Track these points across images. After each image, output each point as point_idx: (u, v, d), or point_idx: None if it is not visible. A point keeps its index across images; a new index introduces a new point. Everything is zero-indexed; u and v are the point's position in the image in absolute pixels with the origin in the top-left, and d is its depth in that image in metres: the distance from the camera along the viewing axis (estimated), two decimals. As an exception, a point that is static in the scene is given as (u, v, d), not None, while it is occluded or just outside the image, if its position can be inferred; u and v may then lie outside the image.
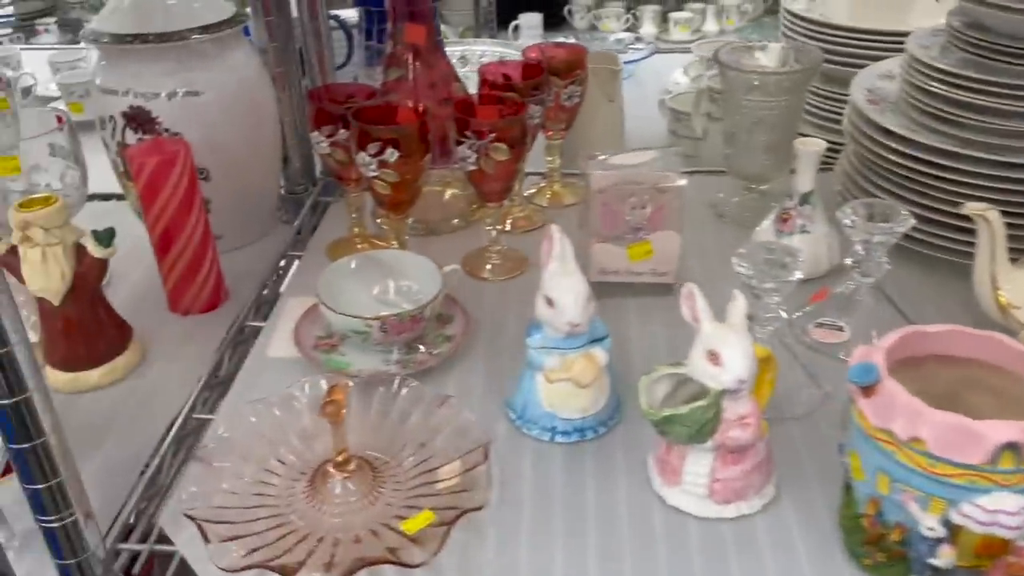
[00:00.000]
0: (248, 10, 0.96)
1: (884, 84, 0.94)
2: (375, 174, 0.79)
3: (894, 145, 0.84)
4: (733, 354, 0.57)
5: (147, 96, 0.86)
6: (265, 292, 0.90)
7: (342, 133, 0.84)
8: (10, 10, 2.64)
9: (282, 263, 0.95)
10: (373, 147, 0.78)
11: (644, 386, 0.60)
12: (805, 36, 1.13)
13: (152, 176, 0.78)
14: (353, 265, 0.79)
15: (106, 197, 1.11)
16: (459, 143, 0.81)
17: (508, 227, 0.98)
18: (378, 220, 0.99)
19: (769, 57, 0.96)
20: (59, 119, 0.85)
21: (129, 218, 0.98)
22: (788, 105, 0.89)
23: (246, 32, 0.96)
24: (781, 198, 0.98)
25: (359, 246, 0.92)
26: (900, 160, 0.83)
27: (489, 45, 1.54)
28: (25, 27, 2.52)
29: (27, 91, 1.37)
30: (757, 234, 0.87)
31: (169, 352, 0.81)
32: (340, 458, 0.61)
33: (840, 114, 0.99)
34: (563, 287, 0.64)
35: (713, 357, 0.57)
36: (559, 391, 0.66)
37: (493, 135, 0.80)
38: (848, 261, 0.74)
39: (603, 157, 0.84)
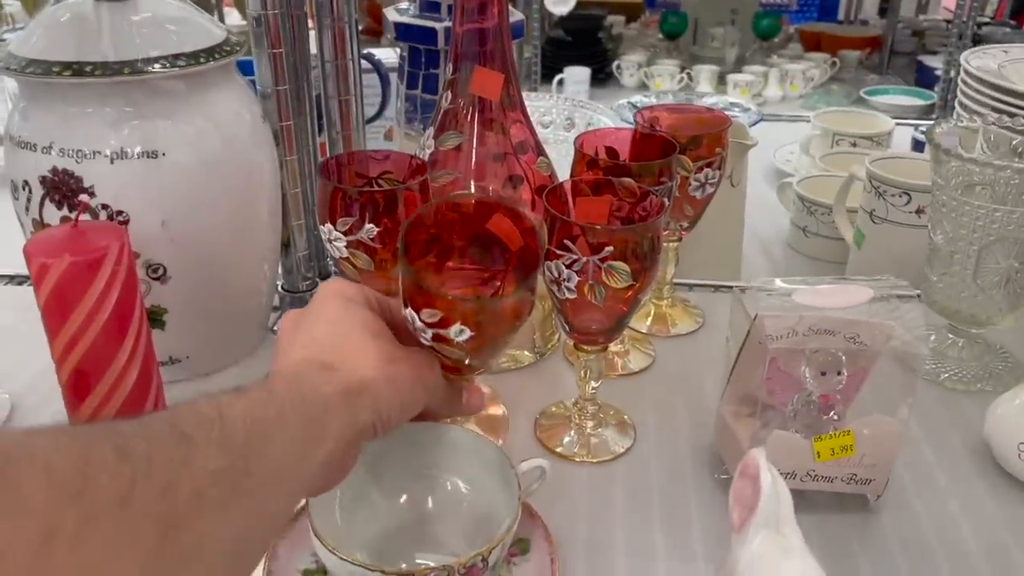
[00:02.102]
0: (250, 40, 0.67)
1: None
2: (428, 343, 0.44)
3: None
4: None
5: (78, 155, 0.57)
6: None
7: (369, 228, 0.54)
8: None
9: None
10: (430, 313, 0.43)
11: None
12: (1000, 112, 0.83)
13: (60, 286, 0.49)
14: (370, 450, 0.48)
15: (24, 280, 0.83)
16: (551, 256, 0.51)
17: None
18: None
19: (971, 148, 0.66)
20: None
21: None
22: (1044, 219, 0.59)
23: (244, 70, 0.68)
24: (1005, 353, 0.68)
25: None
26: None
27: (550, 100, 1.24)
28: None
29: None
30: (1000, 419, 0.56)
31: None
32: None
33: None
34: (782, 584, 0.33)
35: None
36: None
37: (610, 248, 0.50)
38: None
39: (772, 285, 0.54)
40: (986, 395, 0.62)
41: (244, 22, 2.33)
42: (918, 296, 0.66)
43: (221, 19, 2.43)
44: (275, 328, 0.76)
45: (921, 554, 0.52)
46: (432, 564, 0.41)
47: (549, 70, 2.23)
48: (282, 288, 0.77)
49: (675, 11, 2.51)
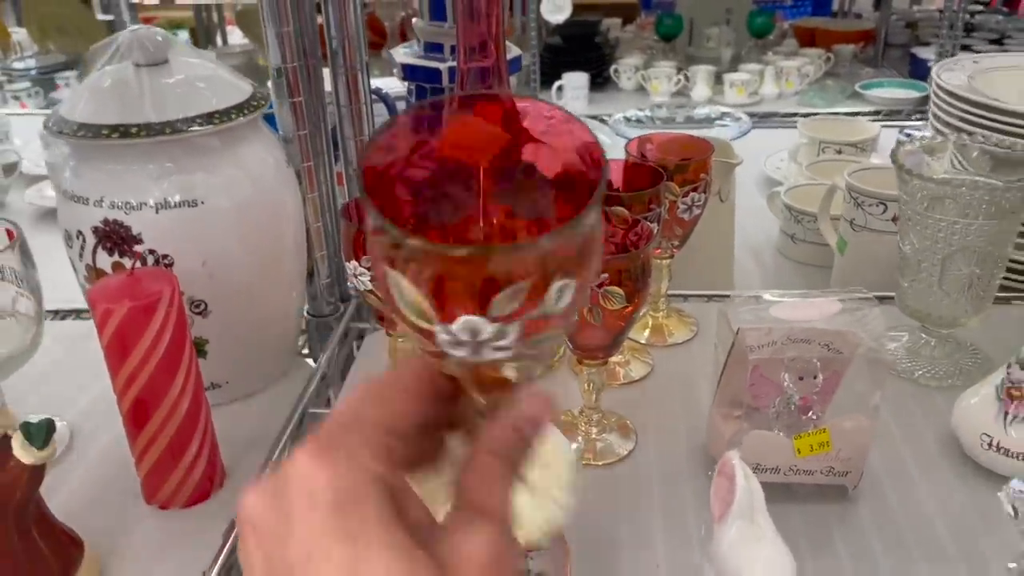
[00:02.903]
0: (268, 86, 0.74)
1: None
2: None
3: None
4: None
5: (127, 207, 0.63)
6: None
7: (390, 264, 0.60)
8: (31, 62, 2.48)
9: (299, 418, 0.71)
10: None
11: None
12: (972, 124, 0.89)
13: (121, 329, 0.55)
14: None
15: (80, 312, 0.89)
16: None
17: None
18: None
19: (940, 157, 0.72)
20: (10, 234, 0.63)
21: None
22: (1001, 230, 0.65)
23: (266, 117, 0.74)
24: (975, 350, 0.73)
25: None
26: None
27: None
28: (44, 81, 2.35)
29: (11, 168, 1.16)
30: (965, 412, 0.62)
31: (137, 573, 0.57)
32: None
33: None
34: (757, 567, 0.39)
35: None
36: None
37: (606, 275, 0.56)
38: None
39: (754, 298, 0.60)
40: (956, 390, 0.67)
41: (247, 41, 2.39)
42: (877, 299, 0.72)
43: (224, 39, 2.50)
44: (304, 352, 0.82)
45: (895, 538, 0.57)
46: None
47: (548, 76, 2.27)
48: (308, 313, 0.83)
49: (670, 12, 2.54)
